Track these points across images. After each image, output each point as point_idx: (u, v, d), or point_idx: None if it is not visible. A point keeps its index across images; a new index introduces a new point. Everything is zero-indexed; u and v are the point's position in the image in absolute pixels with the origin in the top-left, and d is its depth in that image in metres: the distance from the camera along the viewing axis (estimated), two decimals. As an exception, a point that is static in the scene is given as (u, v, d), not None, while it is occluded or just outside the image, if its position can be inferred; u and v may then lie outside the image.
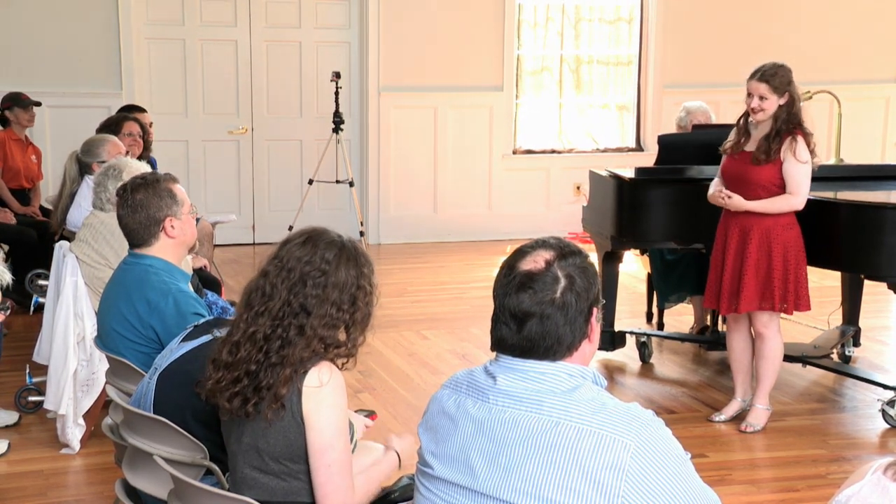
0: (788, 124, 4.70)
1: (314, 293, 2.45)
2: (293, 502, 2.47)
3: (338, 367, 2.50)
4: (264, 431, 2.43)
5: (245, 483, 2.48)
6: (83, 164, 5.69)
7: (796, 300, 4.80)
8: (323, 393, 2.41)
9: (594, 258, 2.29)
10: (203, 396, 2.55)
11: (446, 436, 2.11)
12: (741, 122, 4.89)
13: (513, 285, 2.06)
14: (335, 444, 2.43)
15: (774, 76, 4.70)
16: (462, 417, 2.09)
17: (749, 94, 4.76)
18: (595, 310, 2.10)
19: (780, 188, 4.74)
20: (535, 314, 2.03)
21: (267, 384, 2.41)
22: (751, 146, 4.80)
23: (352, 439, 2.62)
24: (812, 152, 4.72)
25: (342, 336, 2.50)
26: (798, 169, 4.68)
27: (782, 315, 4.92)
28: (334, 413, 2.43)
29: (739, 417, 5.00)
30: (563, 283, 2.05)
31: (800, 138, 4.69)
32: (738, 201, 4.79)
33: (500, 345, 2.08)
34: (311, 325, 2.44)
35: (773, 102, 4.70)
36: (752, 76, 4.76)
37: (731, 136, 4.92)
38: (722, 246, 4.90)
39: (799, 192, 4.71)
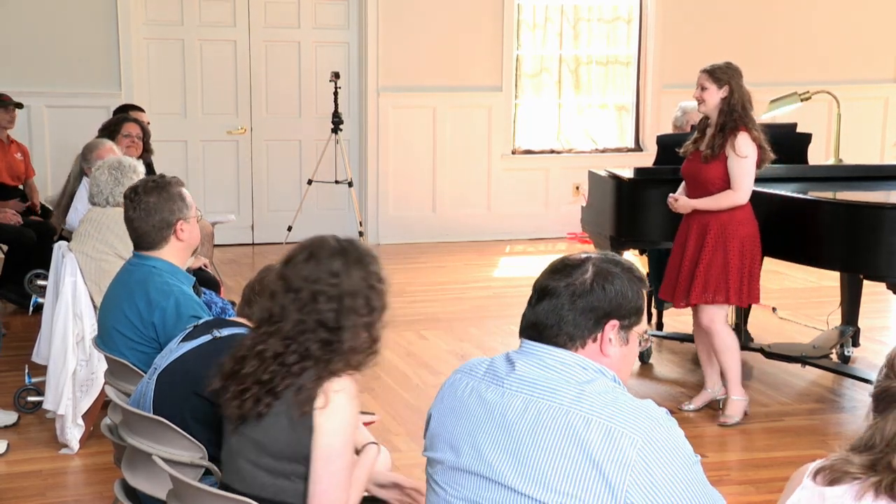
0: (731, 119, 4.79)
1: (329, 307, 2.43)
2: (281, 502, 2.46)
3: (365, 368, 2.48)
4: (269, 429, 2.42)
5: (238, 475, 2.47)
6: (82, 167, 5.69)
7: (749, 292, 4.93)
8: (337, 401, 2.39)
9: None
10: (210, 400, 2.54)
11: (456, 420, 2.12)
12: (700, 123, 5.03)
13: (550, 267, 2.15)
14: (343, 453, 2.41)
15: (717, 69, 4.87)
16: (474, 402, 2.11)
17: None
18: (614, 322, 2.09)
19: (728, 184, 4.83)
20: (551, 291, 2.09)
21: (285, 386, 2.39)
22: (704, 146, 4.90)
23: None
24: (761, 148, 4.80)
25: (365, 337, 2.47)
26: (739, 164, 4.78)
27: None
28: (346, 421, 2.41)
29: (718, 410, 5.08)
30: (589, 274, 2.10)
31: (741, 133, 4.78)
32: (683, 202, 4.98)
33: (522, 323, 2.15)
34: (341, 339, 2.42)
35: (713, 93, 4.84)
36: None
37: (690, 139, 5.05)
38: (682, 242, 5.02)
39: (740, 188, 4.81)
